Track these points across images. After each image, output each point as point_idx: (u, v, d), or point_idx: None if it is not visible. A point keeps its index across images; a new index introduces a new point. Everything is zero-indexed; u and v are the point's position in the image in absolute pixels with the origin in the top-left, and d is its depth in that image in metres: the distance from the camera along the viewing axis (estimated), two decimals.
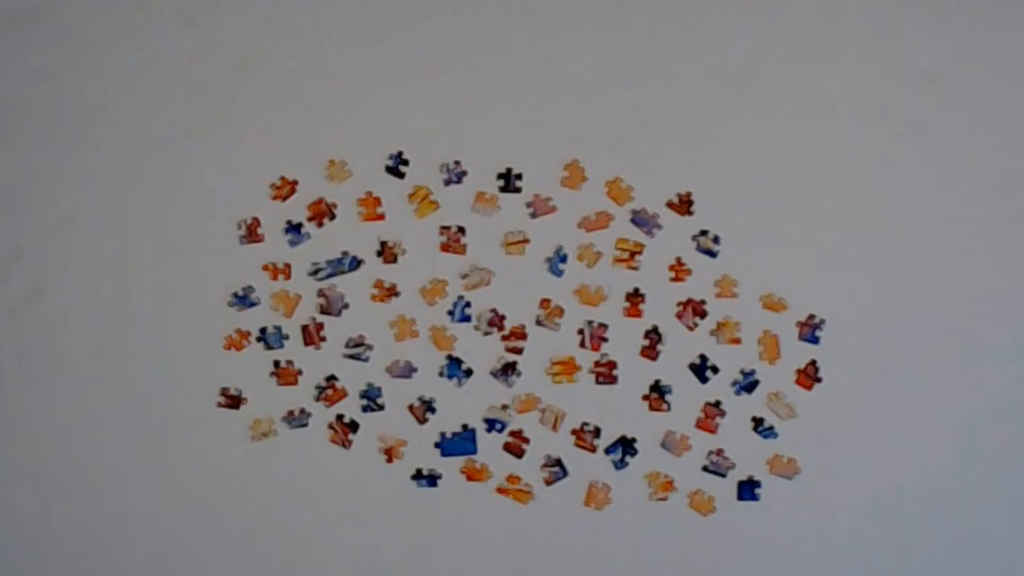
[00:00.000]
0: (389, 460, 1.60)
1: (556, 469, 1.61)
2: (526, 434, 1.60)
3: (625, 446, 1.60)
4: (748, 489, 1.61)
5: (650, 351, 1.60)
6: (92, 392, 1.59)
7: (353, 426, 1.60)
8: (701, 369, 1.61)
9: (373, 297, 1.60)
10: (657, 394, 1.61)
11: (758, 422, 1.61)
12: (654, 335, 1.60)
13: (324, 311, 1.60)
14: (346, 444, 1.60)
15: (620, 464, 1.60)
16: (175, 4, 1.58)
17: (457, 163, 1.60)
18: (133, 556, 1.60)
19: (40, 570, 1.59)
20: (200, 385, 1.59)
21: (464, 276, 1.59)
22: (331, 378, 1.60)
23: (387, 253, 1.60)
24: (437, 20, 1.60)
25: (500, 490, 1.61)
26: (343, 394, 1.60)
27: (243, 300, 1.59)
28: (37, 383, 1.58)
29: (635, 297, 1.60)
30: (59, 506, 1.59)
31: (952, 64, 1.60)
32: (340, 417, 1.60)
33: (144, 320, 1.58)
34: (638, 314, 1.60)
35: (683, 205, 1.60)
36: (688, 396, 1.61)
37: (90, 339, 1.58)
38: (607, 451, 1.60)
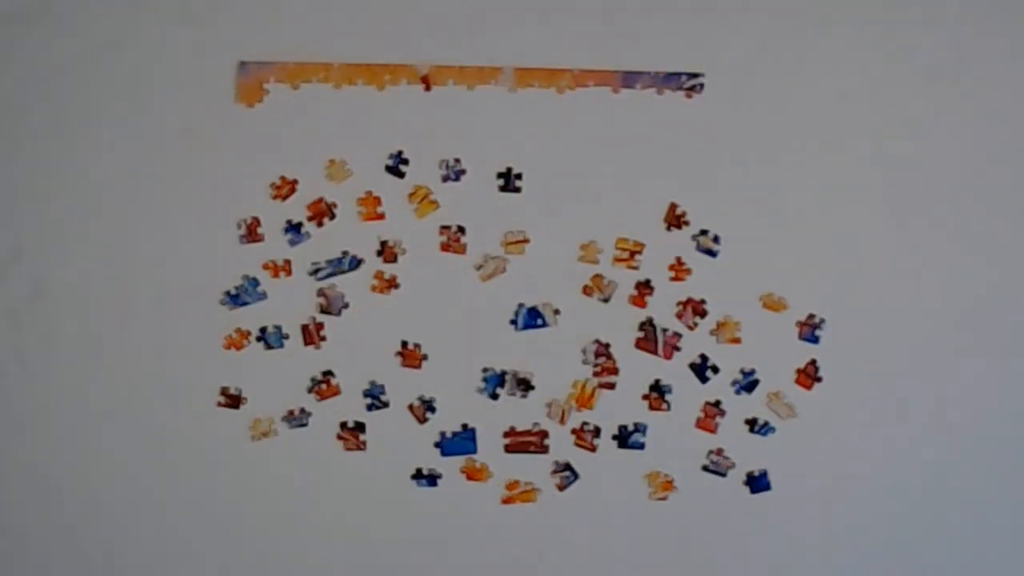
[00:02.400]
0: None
1: (567, 474, 1.61)
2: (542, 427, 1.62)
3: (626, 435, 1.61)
4: (749, 488, 1.61)
5: (666, 349, 1.61)
6: (92, 392, 1.58)
7: (360, 427, 1.60)
8: (701, 369, 1.61)
9: (373, 288, 1.59)
10: (657, 394, 1.61)
11: (757, 422, 1.61)
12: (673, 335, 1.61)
13: (324, 311, 1.60)
14: (361, 446, 1.60)
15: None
16: (175, 4, 1.58)
17: (457, 160, 1.59)
18: (134, 556, 1.60)
19: (40, 570, 1.59)
20: (200, 385, 1.59)
21: (479, 267, 1.59)
22: (327, 373, 1.60)
23: (387, 253, 1.60)
24: (438, 18, 1.59)
25: (506, 500, 1.61)
26: (336, 390, 1.60)
27: (235, 299, 1.59)
28: (37, 383, 1.58)
29: (644, 288, 1.60)
30: (59, 506, 1.59)
31: (953, 63, 1.60)
32: (344, 424, 1.60)
33: (144, 320, 1.58)
34: (643, 304, 1.60)
35: (676, 219, 1.60)
36: (688, 396, 1.61)
37: (90, 339, 1.58)
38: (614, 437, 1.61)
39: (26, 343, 1.58)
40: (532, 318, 1.60)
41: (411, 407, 1.61)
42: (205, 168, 1.58)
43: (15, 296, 1.58)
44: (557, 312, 1.60)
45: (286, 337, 1.59)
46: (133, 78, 1.58)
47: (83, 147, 1.58)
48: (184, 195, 1.58)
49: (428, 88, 1.57)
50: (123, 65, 1.58)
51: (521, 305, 1.60)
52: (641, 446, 1.61)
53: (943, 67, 1.60)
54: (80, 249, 1.58)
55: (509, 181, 1.60)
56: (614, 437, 1.61)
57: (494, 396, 1.60)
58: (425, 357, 1.60)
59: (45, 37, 1.58)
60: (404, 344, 1.60)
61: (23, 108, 1.58)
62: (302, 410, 1.60)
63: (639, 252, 1.60)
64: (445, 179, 1.60)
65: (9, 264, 1.58)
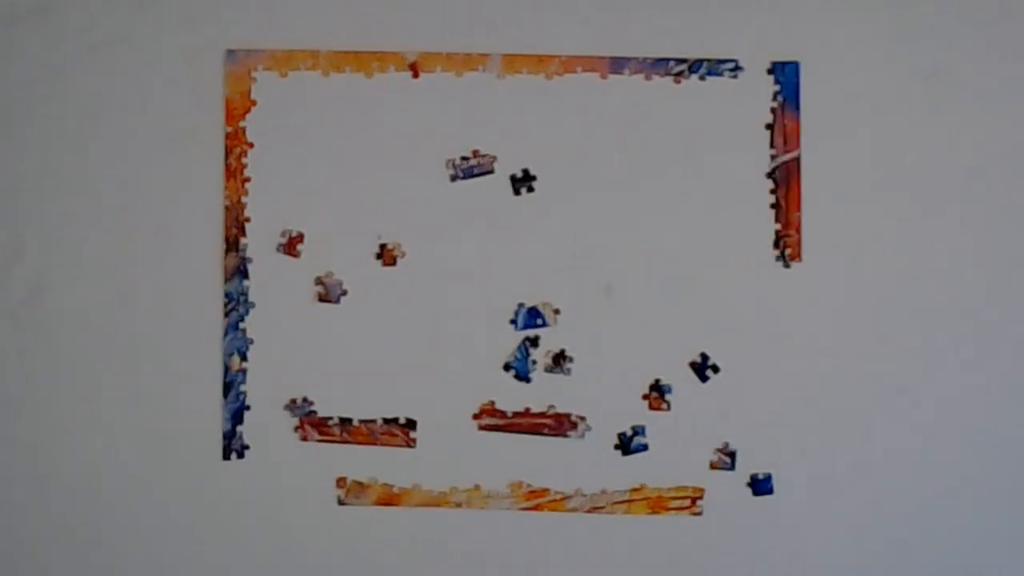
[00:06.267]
0: None
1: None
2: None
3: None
4: (754, 487, 1.61)
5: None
6: (93, 392, 1.58)
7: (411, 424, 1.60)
8: (702, 368, 1.61)
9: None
10: (657, 394, 1.61)
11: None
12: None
13: (323, 299, 1.60)
14: (411, 443, 1.60)
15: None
16: (175, 4, 1.58)
17: (464, 159, 1.59)
18: (134, 556, 1.60)
19: (40, 570, 1.59)
20: (201, 384, 1.59)
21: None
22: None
23: (386, 255, 1.60)
24: (425, 4, 1.59)
25: (530, 509, 1.61)
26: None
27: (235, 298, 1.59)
28: (37, 383, 1.58)
29: None
30: (59, 506, 1.59)
31: (953, 63, 1.60)
32: (394, 420, 1.59)
33: (144, 320, 1.58)
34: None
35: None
36: (688, 396, 1.61)
37: (90, 339, 1.58)
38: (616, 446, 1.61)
39: (26, 343, 1.58)
40: (532, 318, 1.60)
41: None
42: (205, 168, 1.59)
43: (15, 296, 1.58)
44: (557, 312, 1.60)
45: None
46: (133, 78, 1.59)
47: (83, 147, 1.58)
48: (184, 195, 1.58)
49: (416, 75, 1.57)
50: (123, 65, 1.59)
51: (521, 305, 1.60)
52: (641, 447, 1.61)
53: (943, 66, 1.60)
54: (80, 249, 1.58)
55: (521, 183, 1.60)
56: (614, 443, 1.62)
57: None
58: None
59: (45, 37, 1.58)
60: None
61: (23, 108, 1.58)
62: (305, 399, 1.60)
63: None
64: (453, 179, 1.60)
65: (9, 264, 1.58)
